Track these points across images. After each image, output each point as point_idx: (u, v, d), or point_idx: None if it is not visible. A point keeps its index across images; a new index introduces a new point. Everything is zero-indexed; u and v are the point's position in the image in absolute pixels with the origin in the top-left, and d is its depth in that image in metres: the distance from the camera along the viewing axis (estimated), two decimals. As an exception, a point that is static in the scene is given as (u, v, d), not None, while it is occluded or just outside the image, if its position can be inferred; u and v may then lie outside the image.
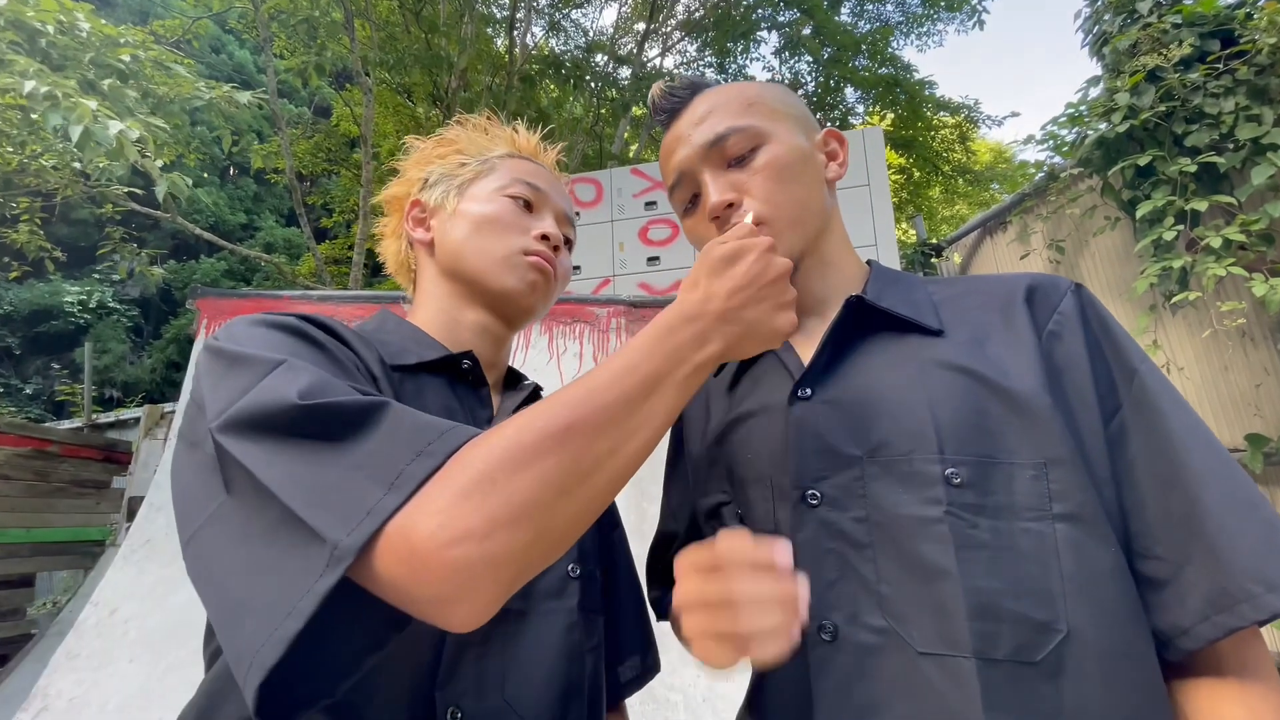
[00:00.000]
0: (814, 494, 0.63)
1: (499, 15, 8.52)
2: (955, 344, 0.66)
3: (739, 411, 0.75)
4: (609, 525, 0.85)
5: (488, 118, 0.87)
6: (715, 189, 0.70)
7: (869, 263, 0.79)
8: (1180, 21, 2.58)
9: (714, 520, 0.75)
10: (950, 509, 0.57)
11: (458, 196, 0.79)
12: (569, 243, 0.84)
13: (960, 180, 9.96)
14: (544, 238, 0.77)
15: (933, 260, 4.73)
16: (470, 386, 0.73)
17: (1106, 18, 2.91)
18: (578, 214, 0.92)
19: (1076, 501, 0.57)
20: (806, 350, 0.73)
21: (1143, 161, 2.49)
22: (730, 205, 0.70)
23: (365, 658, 0.48)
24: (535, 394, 0.79)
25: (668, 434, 0.89)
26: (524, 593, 0.64)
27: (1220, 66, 2.48)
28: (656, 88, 0.77)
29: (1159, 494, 0.58)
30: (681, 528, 0.83)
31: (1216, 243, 2.31)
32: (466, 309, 0.77)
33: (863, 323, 0.70)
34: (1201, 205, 2.38)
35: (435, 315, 0.77)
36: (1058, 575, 0.55)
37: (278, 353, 0.52)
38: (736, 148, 0.71)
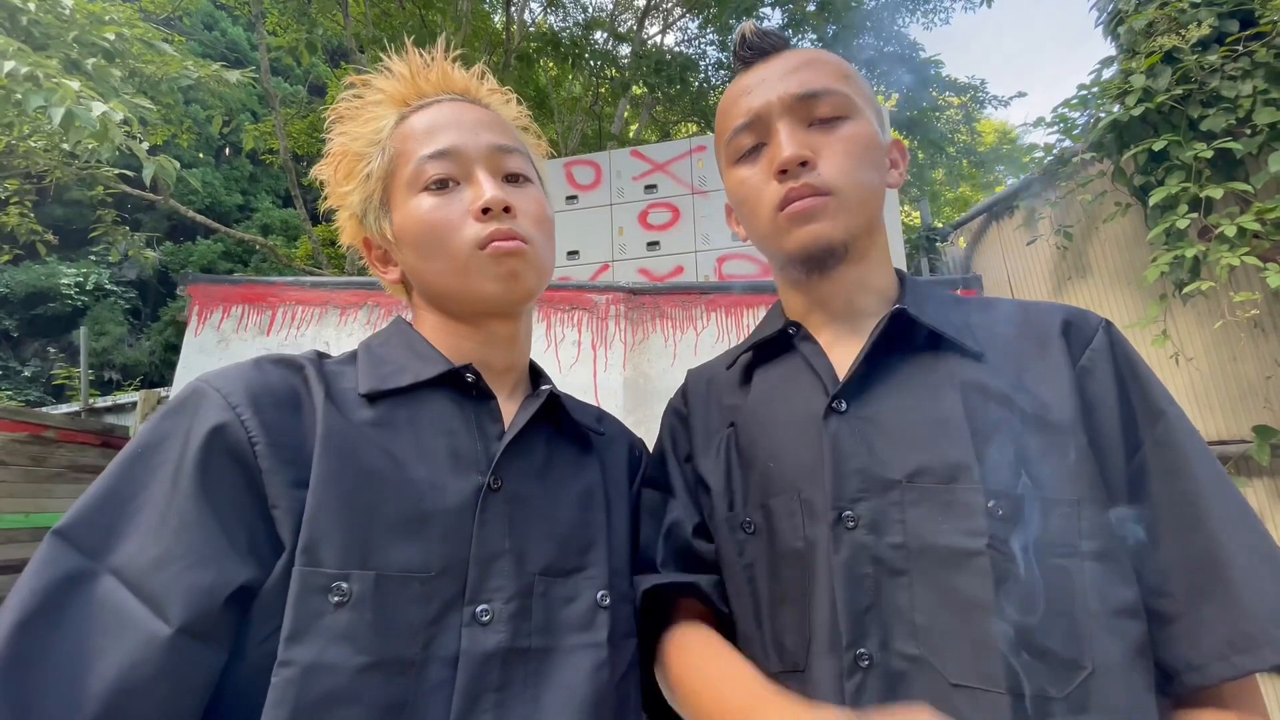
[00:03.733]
0: (851, 515, 0.61)
1: (496, -9, 8.33)
2: (995, 370, 0.64)
3: (760, 415, 0.72)
4: (646, 485, 0.79)
5: (354, 75, 0.74)
6: (792, 142, 0.66)
7: (898, 272, 0.77)
8: (1198, 1, 2.50)
9: (735, 532, 0.70)
10: (992, 542, 0.56)
11: (386, 219, 0.70)
12: (517, 177, 0.71)
13: (965, 162, 9.83)
14: (485, 211, 0.65)
15: (938, 245, 4.66)
16: (480, 399, 0.68)
17: (1122, -4, 2.81)
18: (526, 124, 0.78)
19: (1104, 540, 0.58)
20: (838, 357, 0.70)
21: (1157, 146, 2.42)
22: (805, 163, 0.66)
23: None
24: (551, 401, 0.71)
25: (672, 418, 0.83)
26: (546, 626, 0.60)
27: (1239, 49, 2.40)
28: (748, 25, 0.73)
29: (1178, 534, 0.59)
30: (691, 520, 0.75)
31: (1231, 231, 2.25)
32: (462, 325, 0.71)
33: (901, 337, 0.67)
34: (1216, 192, 2.32)
35: (436, 329, 0.72)
36: (1085, 613, 0.55)
37: (143, 514, 0.51)
38: (826, 109, 0.68)
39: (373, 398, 0.63)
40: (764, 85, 0.70)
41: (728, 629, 0.71)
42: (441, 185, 0.67)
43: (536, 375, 0.79)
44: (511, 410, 0.70)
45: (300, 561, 0.52)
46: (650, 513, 0.78)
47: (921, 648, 0.56)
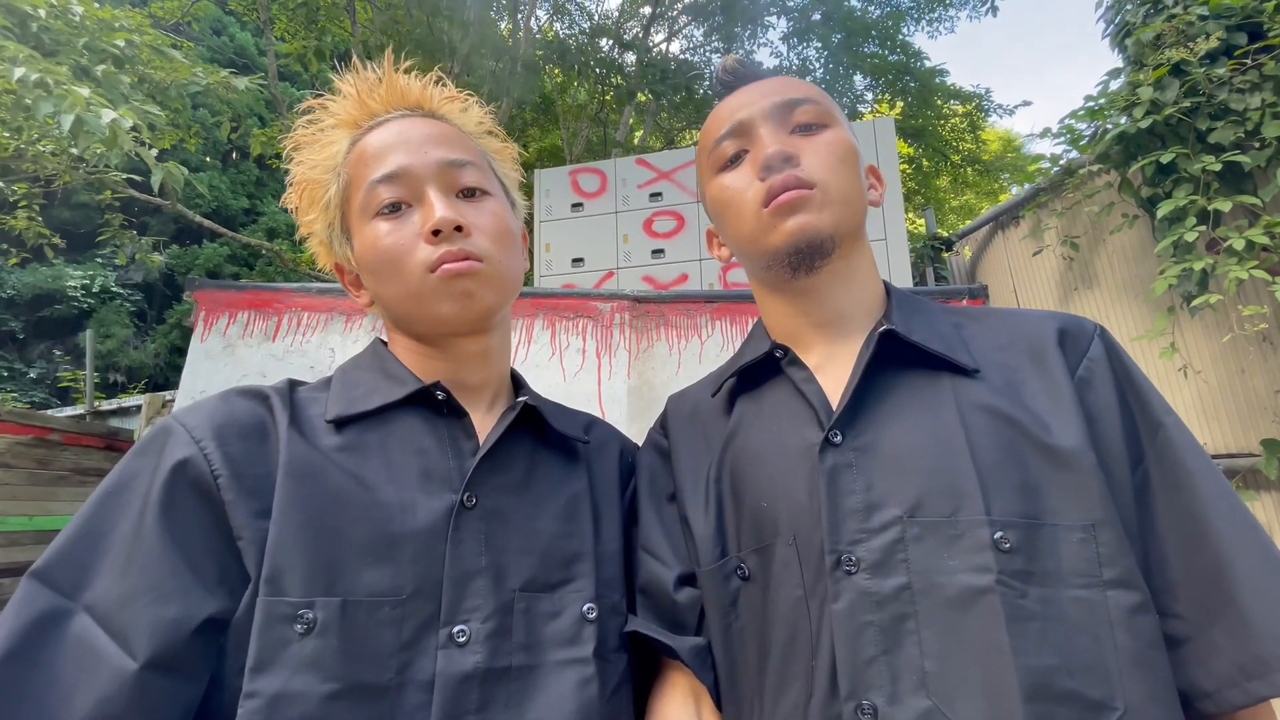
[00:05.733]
0: (850, 558, 0.57)
1: (503, -2, 8.36)
2: (992, 388, 0.61)
3: (748, 447, 0.68)
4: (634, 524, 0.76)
5: (310, 101, 0.71)
6: (776, 140, 0.67)
7: (884, 283, 0.75)
8: (1207, 13, 2.49)
9: (728, 580, 0.66)
10: (1001, 577, 0.52)
11: (348, 246, 0.70)
12: (473, 192, 0.68)
13: (969, 170, 9.82)
14: (436, 233, 0.64)
15: (943, 255, 4.66)
16: (453, 416, 0.67)
17: (1129, 7, 2.81)
18: (490, 128, 0.77)
19: (1125, 566, 0.54)
20: (829, 381, 0.67)
21: (1165, 158, 2.41)
22: (788, 159, 0.66)
23: None
24: (525, 412, 0.69)
25: (651, 455, 0.78)
26: (528, 643, 0.59)
27: (1248, 61, 2.39)
28: (730, 57, 0.76)
29: (1183, 552, 0.56)
30: (671, 573, 0.71)
31: (1239, 244, 2.24)
32: (428, 348, 0.70)
33: (892, 357, 0.64)
34: (1225, 205, 2.31)
35: (407, 350, 0.71)
36: (1111, 647, 0.51)
37: (111, 555, 0.52)
38: (805, 116, 0.69)
39: (341, 423, 0.63)
40: (746, 100, 0.71)
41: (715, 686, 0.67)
42: (394, 209, 0.66)
43: (520, 386, 0.77)
44: (489, 425, 0.69)
45: (264, 591, 0.52)
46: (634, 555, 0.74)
47: (933, 697, 0.52)
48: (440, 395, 0.66)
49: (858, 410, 0.63)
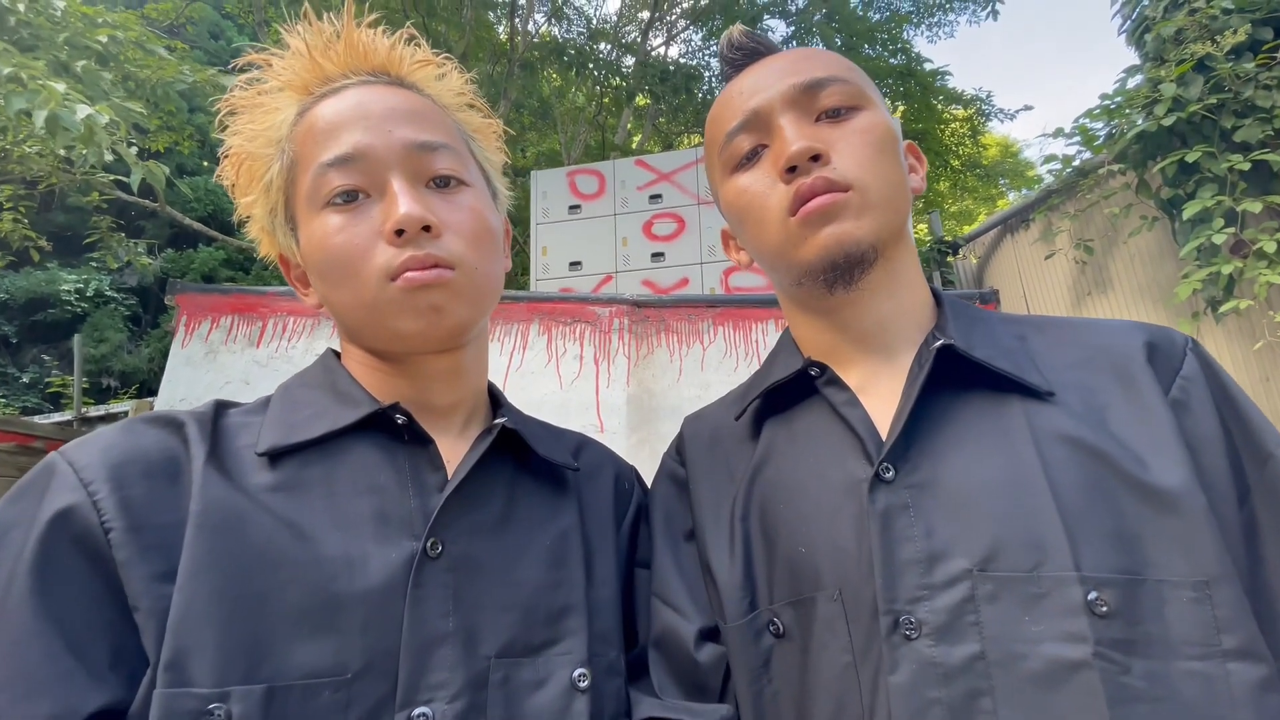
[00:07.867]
0: (910, 620, 0.47)
1: (500, 0, 8.31)
2: (1071, 413, 0.52)
3: (780, 480, 0.58)
4: (639, 565, 0.66)
5: (250, 56, 0.59)
6: (800, 134, 0.56)
7: (932, 290, 0.65)
8: (1231, 7, 2.40)
9: (759, 638, 0.56)
10: (1099, 649, 0.43)
11: (293, 238, 0.59)
12: (449, 181, 0.57)
13: (969, 175, 9.77)
14: (400, 233, 0.52)
15: (948, 259, 4.56)
16: (415, 444, 0.56)
17: (1147, 3, 2.71)
18: (471, 101, 0.65)
19: (1248, 632, 0.45)
20: (875, 404, 0.57)
21: (1191, 157, 2.31)
22: (816, 157, 0.55)
23: None
24: (504, 435, 0.58)
25: (667, 485, 0.69)
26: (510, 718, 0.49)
27: (1276, 56, 2.30)
28: (735, 28, 0.64)
29: None
30: (692, 627, 0.61)
31: (1270, 247, 2.14)
32: (387, 364, 0.59)
33: (949, 376, 0.54)
34: (1254, 206, 2.21)
35: (362, 365, 0.60)
36: None
37: None
38: (833, 99, 0.58)
39: (276, 455, 0.52)
40: (760, 83, 0.60)
41: None
42: (349, 198, 0.54)
43: (498, 405, 0.66)
44: (461, 453, 0.58)
45: (163, 681, 0.42)
46: (644, 604, 0.64)
47: None
48: (400, 419, 0.55)
49: (912, 440, 0.53)
